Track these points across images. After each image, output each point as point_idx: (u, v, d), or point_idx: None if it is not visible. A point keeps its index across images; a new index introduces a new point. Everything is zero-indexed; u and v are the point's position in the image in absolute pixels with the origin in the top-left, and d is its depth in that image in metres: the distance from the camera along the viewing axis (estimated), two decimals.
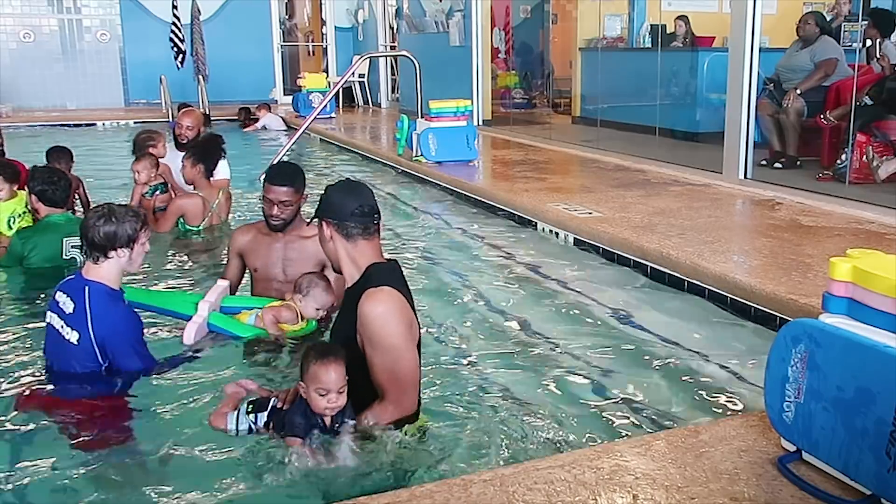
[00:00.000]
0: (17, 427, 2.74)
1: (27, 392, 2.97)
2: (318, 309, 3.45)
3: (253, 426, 2.57)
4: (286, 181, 3.61)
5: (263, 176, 3.80)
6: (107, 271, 3.01)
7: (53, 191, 4.47)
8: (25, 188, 4.72)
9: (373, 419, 2.50)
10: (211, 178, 5.50)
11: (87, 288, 2.97)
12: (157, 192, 5.59)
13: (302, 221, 3.77)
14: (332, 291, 3.43)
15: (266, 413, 2.57)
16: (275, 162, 7.53)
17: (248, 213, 6.15)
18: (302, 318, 3.46)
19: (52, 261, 4.40)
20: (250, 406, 2.62)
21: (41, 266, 4.39)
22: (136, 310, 3.18)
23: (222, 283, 3.68)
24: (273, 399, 2.62)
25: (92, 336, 2.93)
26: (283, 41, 16.58)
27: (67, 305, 2.96)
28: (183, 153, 6.34)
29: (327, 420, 2.44)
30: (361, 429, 2.48)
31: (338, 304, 3.34)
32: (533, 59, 14.05)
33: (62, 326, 2.96)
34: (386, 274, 2.60)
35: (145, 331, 3.22)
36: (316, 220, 2.72)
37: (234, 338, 3.44)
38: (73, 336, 2.94)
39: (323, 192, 2.75)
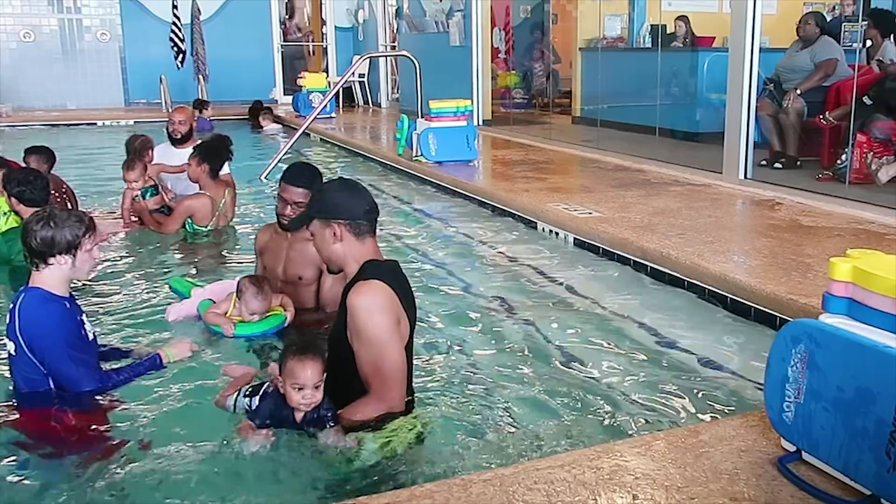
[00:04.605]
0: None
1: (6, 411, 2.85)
2: (251, 314, 3.49)
3: (248, 408, 2.63)
4: (304, 183, 3.58)
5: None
6: (49, 278, 2.85)
7: (31, 191, 4.40)
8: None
9: (356, 413, 2.52)
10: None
11: (21, 295, 2.84)
12: (149, 195, 5.58)
13: None
14: (264, 298, 3.48)
15: (258, 397, 2.61)
16: (273, 162, 7.58)
17: (245, 213, 6.14)
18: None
19: None
20: (249, 389, 2.70)
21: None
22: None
23: (235, 281, 3.81)
24: (266, 384, 2.66)
25: (21, 340, 2.76)
26: (283, 41, 16.57)
27: (7, 317, 2.84)
28: (177, 149, 6.35)
29: (298, 415, 2.47)
30: (344, 423, 2.49)
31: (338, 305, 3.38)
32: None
33: (6, 341, 2.83)
34: (381, 270, 2.61)
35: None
36: (316, 222, 2.68)
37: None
38: (11, 347, 2.80)
39: (317, 194, 2.74)
